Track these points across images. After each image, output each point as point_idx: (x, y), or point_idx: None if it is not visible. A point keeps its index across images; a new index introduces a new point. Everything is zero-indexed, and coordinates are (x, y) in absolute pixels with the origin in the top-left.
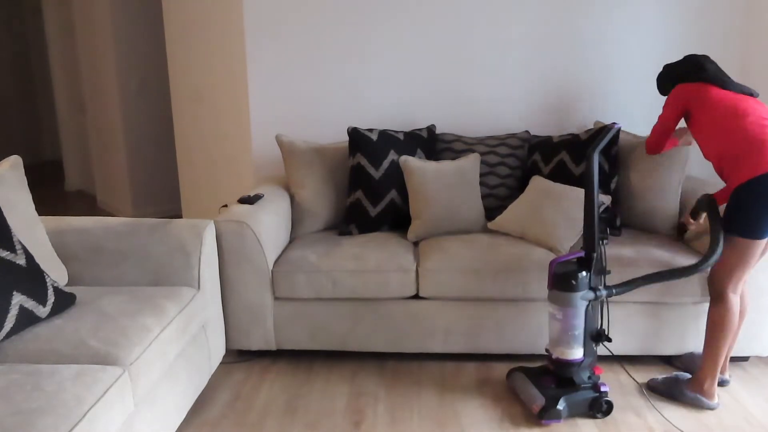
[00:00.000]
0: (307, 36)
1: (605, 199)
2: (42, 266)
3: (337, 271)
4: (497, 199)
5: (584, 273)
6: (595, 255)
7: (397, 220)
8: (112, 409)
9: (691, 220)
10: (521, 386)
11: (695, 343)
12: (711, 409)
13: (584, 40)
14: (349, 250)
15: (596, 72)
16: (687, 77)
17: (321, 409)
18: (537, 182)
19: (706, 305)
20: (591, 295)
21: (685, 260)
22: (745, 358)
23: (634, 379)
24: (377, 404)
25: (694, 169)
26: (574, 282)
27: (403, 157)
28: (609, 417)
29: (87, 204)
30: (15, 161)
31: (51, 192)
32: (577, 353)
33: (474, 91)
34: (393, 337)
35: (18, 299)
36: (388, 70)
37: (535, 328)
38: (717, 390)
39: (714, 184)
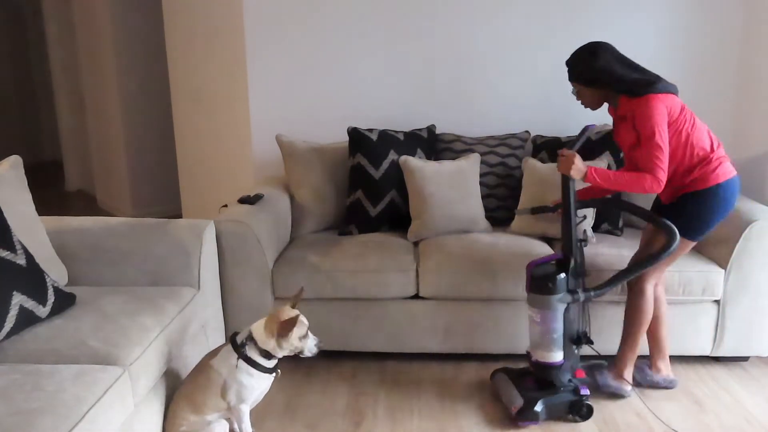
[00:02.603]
0: (307, 36)
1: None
2: (42, 266)
3: (337, 271)
4: (497, 199)
5: (562, 275)
6: (572, 257)
7: (397, 220)
8: (112, 409)
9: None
10: (503, 387)
11: (694, 343)
12: (627, 396)
13: (585, 40)
14: (349, 250)
15: None
16: (655, 86)
17: (321, 409)
18: (529, 169)
19: (706, 305)
20: (569, 297)
21: (685, 260)
22: (745, 358)
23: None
24: (377, 404)
25: None
26: (551, 285)
27: (403, 157)
28: (609, 417)
29: (87, 204)
30: (15, 161)
31: (51, 192)
32: (556, 356)
33: (474, 91)
34: (393, 337)
35: (18, 299)
36: (388, 70)
37: None
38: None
39: None
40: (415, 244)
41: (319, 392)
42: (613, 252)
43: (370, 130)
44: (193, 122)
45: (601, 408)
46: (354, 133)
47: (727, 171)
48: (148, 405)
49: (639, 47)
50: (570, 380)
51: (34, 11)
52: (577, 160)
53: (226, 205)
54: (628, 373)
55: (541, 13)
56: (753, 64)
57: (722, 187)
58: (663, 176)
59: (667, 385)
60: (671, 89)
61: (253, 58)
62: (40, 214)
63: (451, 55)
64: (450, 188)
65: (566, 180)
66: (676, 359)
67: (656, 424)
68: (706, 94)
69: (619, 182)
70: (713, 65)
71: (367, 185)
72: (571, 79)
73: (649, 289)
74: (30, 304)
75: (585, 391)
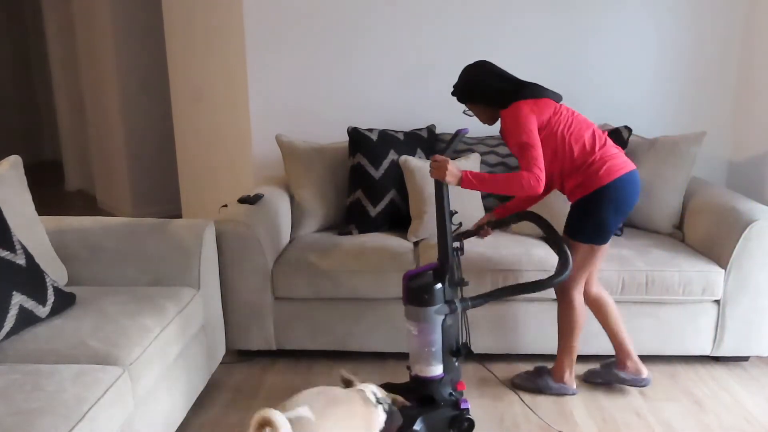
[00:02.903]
0: (307, 36)
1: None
2: (42, 266)
3: (337, 271)
4: (497, 199)
5: (438, 286)
6: (448, 266)
7: (397, 220)
8: (112, 409)
9: (490, 231)
10: None
11: (694, 343)
12: (573, 394)
13: (585, 41)
14: (349, 250)
15: (599, 74)
16: (521, 93)
17: None
18: None
19: (706, 305)
20: (446, 308)
21: (685, 260)
22: (745, 358)
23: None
24: None
25: (699, 170)
26: (427, 296)
27: (403, 157)
28: (609, 417)
29: (87, 204)
30: (15, 161)
31: (51, 192)
32: (436, 370)
33: None
34: (393, 337)
35: (18, 299)
36: (388, 70)
37: (535, 328)
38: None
39: (716, 185)
40: (415, 244)
41: None
42: (612, 252)
43: (370, 130)
44: (193, 122)
45: (601, 408)
46: (354, 133)
47: (613, 170)
48: (148, 405)
49: (640, 47)
50: (451, 394)
51: (34, 10)
52: (451, 165)
53: (226, 205)
54: (569, 376)
55: (541, 14)
56: (753, 65)
57: (609, 188)
58: (540, 174)
59: (635, 384)
60: (541, 94)
61: (253, 58)
62: (40, 214)
63: (450, 55)
64: (450, 188)
65: (440, 186)
66: (676, 359)
67: (656, 424)
68: (707, 94)
69: (496, 184)
70: (714, 65)
71: (367, 185)
72: (458, 99)
73: (577, 297)
74: (30, 304)
75: (465, 405)
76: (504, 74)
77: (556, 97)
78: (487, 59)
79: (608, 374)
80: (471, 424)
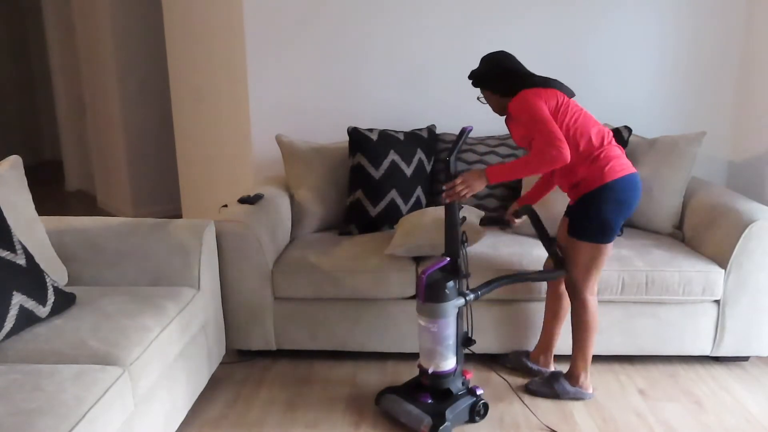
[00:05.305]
0: (307, 36)
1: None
2: (42, 266)
3: (337, 271)
4: (497, 199)
5: (453, 280)
6: (460, 260)
7: (397, 220)
8: (112, 409)
9: (515, 220)
10: (399, 408)
11: (694, 343)
12: (588, 399)
13: (585, 41)
14: (349, 250)
15: (599, 73)
16: (527, 82)
17: (321, 409)
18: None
19: (706, 305)
20: (461, 301)
21: (684, 260)
22: (745, 358)
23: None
24: None
25: (699, 170)
26: (447, 291)
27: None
28: (609, 417)
29: (87, 204)
30: (15, 161)
31: (51, 192)
32: (451, 363)
33: (474, 91)
34: (393, 337)
35: (18, 299)
36: (388, 70)
37: (535, 328)
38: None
39: (716, 185)
40: None
41: (319, 392)
42: (612, 252)
43: (370, 130)
44: (193, 122)
45: (601, 408)
46: (354, 133)
47: (617, 169)
48: (148, 405)
49: (640, 47)
50: (463, 383)
51: (34, 11)
52: (469, 175)
53: (226, 205)
54: (584, 378)
55: (541, 14)
56: (753, 65)
57: (613, 186)
58: (562, 144)
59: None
60: (547, 84)
61: (253, 58)
62: (40, 214)
63: (450, 55)
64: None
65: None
66: (676, 359)
67: (656, 424)
68: (707, 94)
69: (526, 167)
70: (714, 65)
71: (367, 185)
72: (473, 83)
73: (590, 298)
74: (30, 304)
75: (480, 391)
76: (518, 67)
77: (568, 92)
78: None
79: (517, 361)
80: (486, 407)
